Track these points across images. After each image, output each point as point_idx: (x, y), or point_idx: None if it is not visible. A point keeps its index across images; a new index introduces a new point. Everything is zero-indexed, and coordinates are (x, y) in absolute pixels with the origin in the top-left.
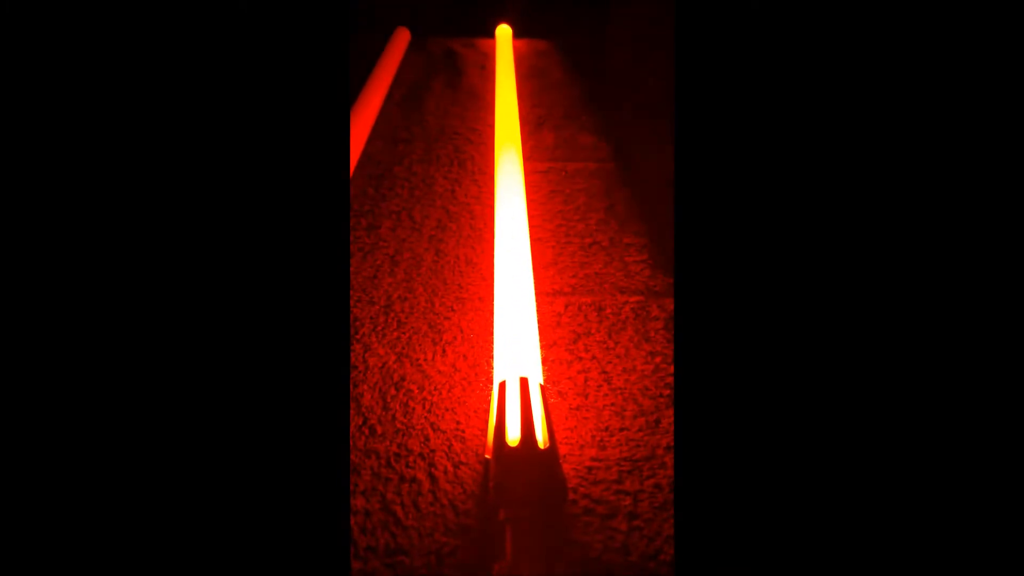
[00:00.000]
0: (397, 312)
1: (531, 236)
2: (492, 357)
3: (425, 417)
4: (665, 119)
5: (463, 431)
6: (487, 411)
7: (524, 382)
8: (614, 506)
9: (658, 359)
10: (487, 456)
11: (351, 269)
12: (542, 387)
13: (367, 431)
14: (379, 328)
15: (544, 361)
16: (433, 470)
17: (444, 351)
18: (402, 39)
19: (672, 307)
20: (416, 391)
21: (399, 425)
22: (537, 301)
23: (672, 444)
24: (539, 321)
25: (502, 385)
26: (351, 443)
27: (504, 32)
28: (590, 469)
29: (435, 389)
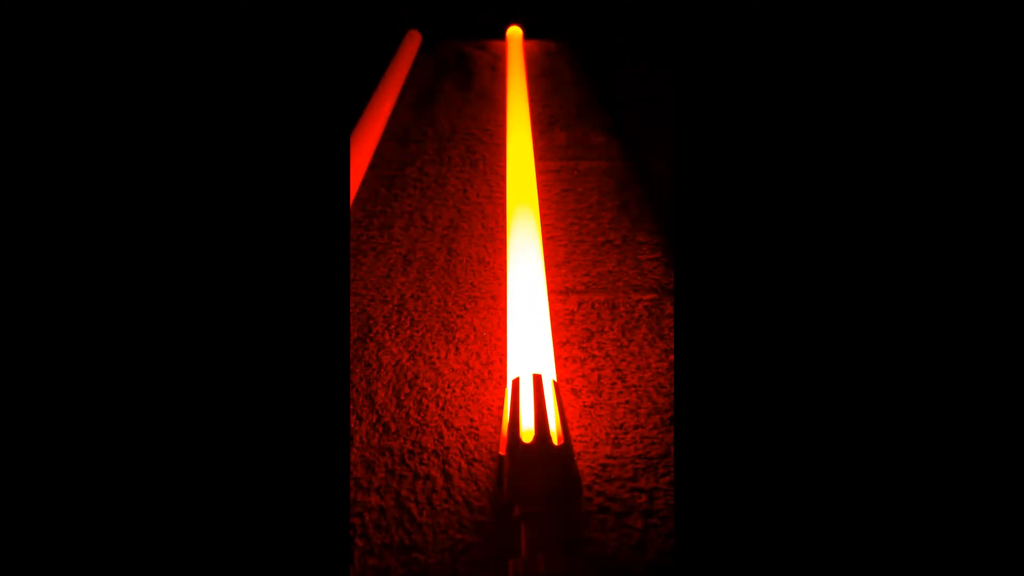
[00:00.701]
0: (410, 311)
1: (543, 235)
2: (505, 355)
3: (439, 415)
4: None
5: (477, 428)
6: (501, 408)
7: (538, 379)
8: (629, 504)
9: (672, 357)
10: (501, 453)
11: (364, 269)
12: (555, 384)
13: (381, 429)
14: (392, 327)
15: (557, 359)
16: (447, 467)
17: (457, 349)
18: (413, 42)
19: None
20: (430, 389)
21: (413, 423)
22: (550, 299)
23: None
24: (552, 319)
25: (515, 382)
26: (365, 441)
27: (515, 33)
28: (605, 467)
29: (448, 387)
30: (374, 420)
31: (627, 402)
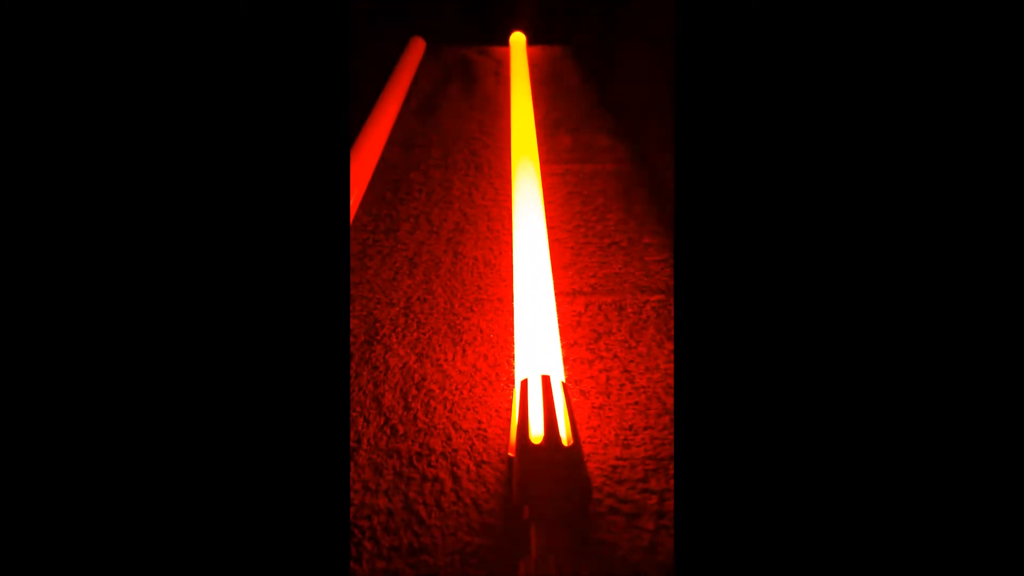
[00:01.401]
0: (417, 313)
1: (549, 237)
2: (513, 356)
3: (447, 416)
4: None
5: (485, 430)
6: (509, 410)
7: (546, 380)
8: (640, 505)
9: None
10: (510, 454)
11: (370, 272)
12: (564, 385)
13: (388, 431)
14: (399, 329)
15: (565, 361)
16: (455, 469)
17: (464, 351)
18: (417, 48)
19: None
20: (437, 391)
21: (421, 425)
22: (557, 301)
23: None
24: (559, 321)
25: (524, 383)
26: (373, 444)
27: (518, 39)
28: (615, 468)
29: (456, 389)
30: (381, 422)
31: (636, 403)
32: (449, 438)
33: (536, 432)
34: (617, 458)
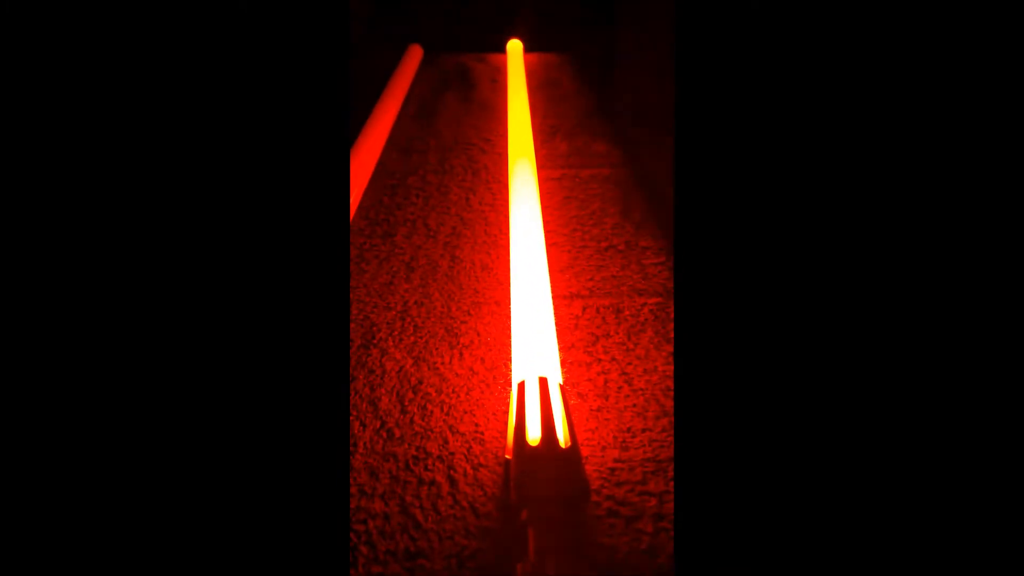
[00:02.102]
0: (414, 317)
1: (546, 241)
2: (510, 359)
3: (443, 420)
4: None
5: (482, 433)
6: (506, 413)
7: (543, 382)
8: (639, 508)
9: None
10: (507, 456)
11: (367, 276)
12: (562, 387)
13: (385, 435)
14: (396, 333)
15: (563, 363)
16: (452, 473)
17: (461, 354)
18: (415, 55)
19: None
20: (434, 394)
21: (417, 428)
22: (554, 304)
23: None
24: (557, 324)
25: (521, 385)
26: (369, 447)
27: (515, 46)
28: (613, 470)
29: (453, 392)
30: (378, 426)
31: (634, 405)
32: (446, 441)
33: (533, 434)
34: (615, 460)
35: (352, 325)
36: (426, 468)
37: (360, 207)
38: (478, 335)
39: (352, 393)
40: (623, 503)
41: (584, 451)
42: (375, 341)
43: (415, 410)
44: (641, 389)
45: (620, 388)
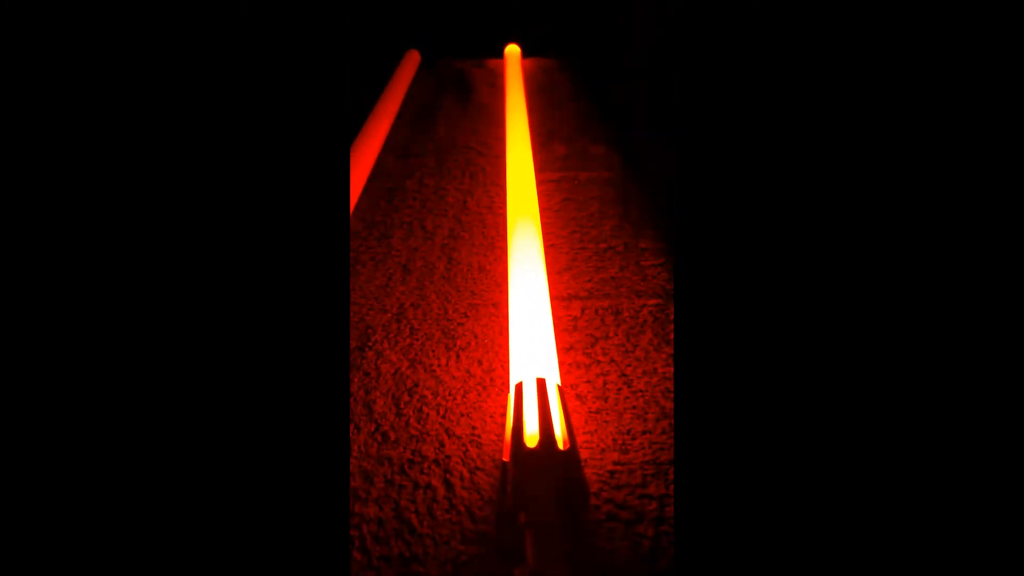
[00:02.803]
0: (410, 319)
1: (545, 243)
2: (508, 362)
3: (440, 423)
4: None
5: (479, 436)
6: (504, 415)
7: (541, 383)
8: (639, 511)
9: None
10: (504, 459)
11: (363, 278)
12: (560, 388)
13: (380, 438)
14: (392, 335)
15: (561, 365)
16: (448, 476)
17: (458, 356)
18: (412, 61)
19: None
20: (430, 397)
21: (413, 431)
22: (553, 305)
23: None
24: (555, 325)
25: (519, 386)
26: (363, 451)
27: (513, 51)
28: (612, 473)
29: (449, 395)
30: (372, 429)
31: (634, 407)
32: (442, 444)
33: (531, 436)
34: (615, 463)
35: None
36: (421, 472)
37: (356, 210)
38: (475, 337)
39: None
40: (623, 506)
41: (583, 454)
42: (370, 343)
43: (411, 413)
44: (641, 391)
45: (619, 390)
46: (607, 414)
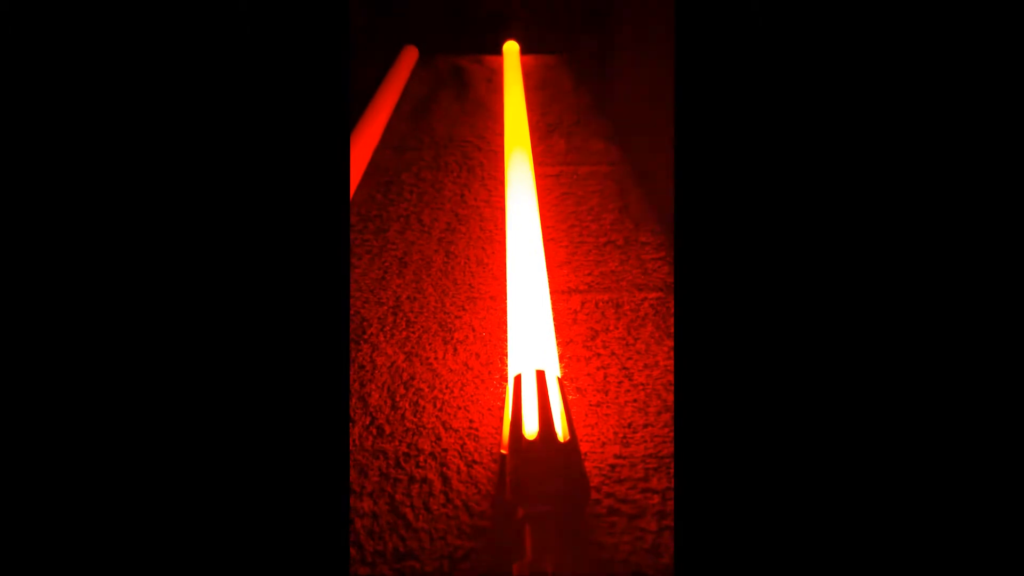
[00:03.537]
0: (406, 312)
1: (544, 236)
2: (506, 355)
3: (436, 416)
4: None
5: (477, 429)
6: (502, 408)
7: (541, 375)
8: (641, 505)
9: None
10: (503, 451)
11: (358, 272)
12: (560, 380)
13: (375, 431)
14: (387, 328)
15: (561, 358)
16: (445, 470)
17: (455, 349)
18: (410, 56)
19: None
20: (427, 390)
21: (409, 424)
22: (552, 299)
23: None
24: (555, 318)
25: (517, 378)
26: (358, 444)
27: (511, 47)
28: (614, 467)
29: (446, 387)
30: (367, 422)
31: (635, 400)
32: (439, 438)
33: (530, 428)
34: (616, 456)
35: None
36: (417, 465)
37: (352, 203)
38: (473, 330)
39: None
40: (625, 500)
41: (584, 447)
42: (366, 336)
43: (406, 406)
44: (642, 384)
45: (620, 383)
46: (608, 407)
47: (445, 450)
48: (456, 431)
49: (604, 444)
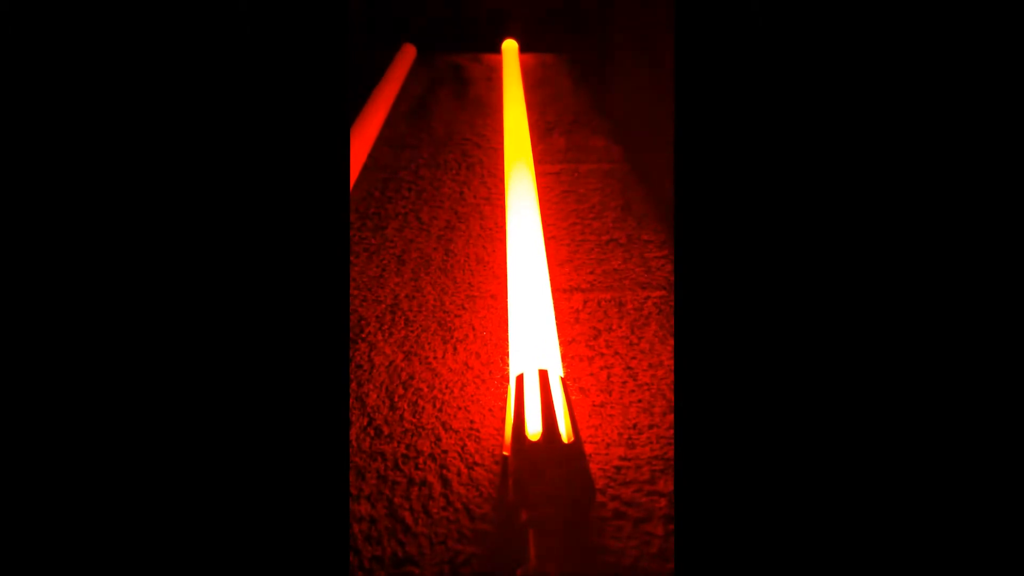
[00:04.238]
0: (404, 311)
1: (545, 235)
2: (507, 354)
3: (436, 416)
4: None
5: (478, 430)
6: (503, 409)
7: (543, 374)
8: (648, 508)
9: None
10: (505, 453)
11: (356, 269)
12: (563, 380)
13: (372, 432)
14: (385, 327)
15: (564, 358)
16: (445, 472)
17: (455, 349)
18: (408, 54)
19: None
20: (426, 390)
21: (408, 425)
22: (554, 298)
23: None
24: (557, 318)
25: (519, 378)
26: (355, 446)
27: (510, 46)
28: (619, 469)
29: (446, 387)
30: (365, 423)
31: (640, 401)
32: (438, 439)
33: (533, 428)
34: (621, 458)
35: None
36: (416, 467)
37: (349, 200)
38: (473, 329)
39: None
40: (631, 504)
41: (588, 449)
42: (363, 335)
43: (405, 406)
44: (646, 384)
45: (624, 383)
46: (612, 408)
47: (445, 452)
48: (456, 432)
49: (609, 445)
